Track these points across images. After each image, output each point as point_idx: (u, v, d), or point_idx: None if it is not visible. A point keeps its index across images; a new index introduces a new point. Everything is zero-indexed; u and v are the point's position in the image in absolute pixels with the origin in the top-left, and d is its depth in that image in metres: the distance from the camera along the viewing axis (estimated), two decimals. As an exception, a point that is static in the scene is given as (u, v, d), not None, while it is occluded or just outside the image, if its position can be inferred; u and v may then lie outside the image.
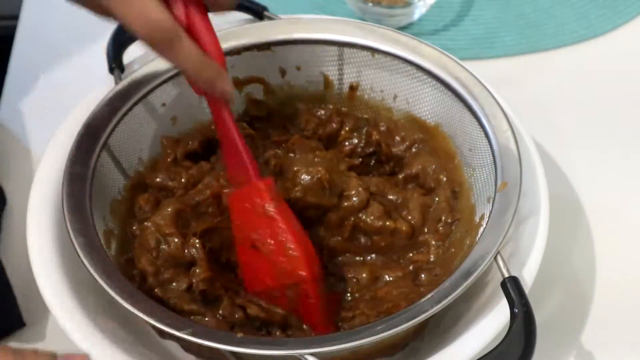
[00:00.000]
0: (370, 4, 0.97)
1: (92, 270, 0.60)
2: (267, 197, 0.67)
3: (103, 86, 0.75)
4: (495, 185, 0.65)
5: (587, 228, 0.81)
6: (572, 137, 0.89)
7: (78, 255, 0.61)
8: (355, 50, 0.77)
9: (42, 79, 0.96)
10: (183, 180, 0.74)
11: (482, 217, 0.68)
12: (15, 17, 1.04)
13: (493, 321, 0.62)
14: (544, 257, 0.65)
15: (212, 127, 0.79)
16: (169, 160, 0.76)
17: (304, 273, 0.66)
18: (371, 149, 0.80)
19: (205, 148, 0.78)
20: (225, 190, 0.71)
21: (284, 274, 0.67)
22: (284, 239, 0.67)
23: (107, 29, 0.75)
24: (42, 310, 0.72)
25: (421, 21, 1.00)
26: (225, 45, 0.76)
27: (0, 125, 0.90)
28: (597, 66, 0.97)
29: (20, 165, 0.86)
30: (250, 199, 0.68)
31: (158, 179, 0.75)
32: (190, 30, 0.62)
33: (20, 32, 1.02)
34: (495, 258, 0.61)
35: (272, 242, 0.67)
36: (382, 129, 0.80)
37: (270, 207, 0.67)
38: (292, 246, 0.66)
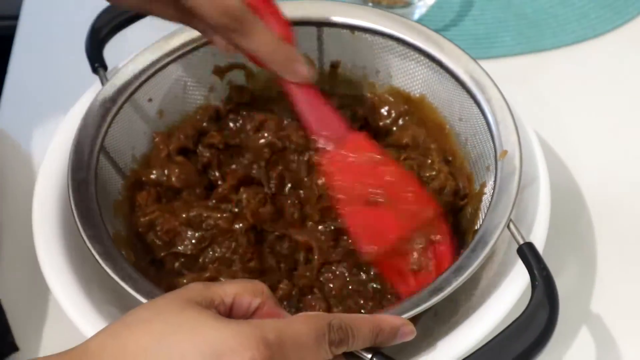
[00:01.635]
0: (370, 4, 0.97)
1: (116, 277, 0.61)
2: (376, 144, 0.70)
3: (90, 89, 0.75)
4: (496, 153, 0.67)
5: (589, 216, 0.83)
6: (572, 137, 0.89)
7: (99, 263, 0.62)
8: (334, 29, 0.78)
9: (42, 79, 0.96)
10: (181, 176, 0.74)
11: (483, 185, 0.70)
12: (15, 17, 1.03)
13: (510, 290, 0.64)
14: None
15: (198, 117, 0.79)
16: (162, 156, 0.76)
17: (433, 207, 0.69)
18: (358, 125, 0.81)
19: (196, 142, 0.78)
20: (315, 157, 0.73)
21: (412, 217, 0.68)
22: (404, 181, 0.69)
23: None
24: (35, 332, 0.73)
25: (421, 21, 0.98)
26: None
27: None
28: (597, 66, 0.98)
29: (20, 165, 0.85)
30: (356, 151, 0.69)
31: (153, 176, 0.75)
32: (258, 13, 0.64)
33: (20, 32, 1.01)
34: (508, 226, 0.63)
35: (392, 188, 0.68)
36: (367, 104, 0.81)
37: (381, 154, 0.69)
38: (414, 186, 0.69)
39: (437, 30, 0.93)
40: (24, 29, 1.02)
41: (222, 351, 0.46)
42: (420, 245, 0.67)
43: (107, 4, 0.75)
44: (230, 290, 0.53)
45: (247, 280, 0.56)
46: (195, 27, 0.68)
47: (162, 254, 0.71)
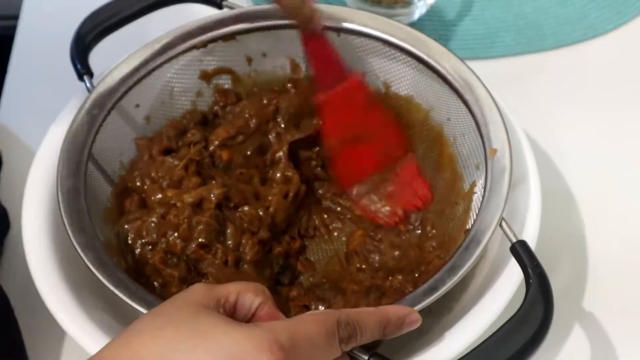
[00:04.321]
0: (370, 4, 0.97)
1: (109, 285, 0.61)
2: (368, 88, 0.77)
3: (75, 97, 0.75)
4: (485, 152, 0.67)
5: (579, 219, 0.83)
6: (571, 137, 0.89)
7: (91, 270, 0.61)
8: (319, 31, 0.78)
9: (42, 79, 0.95)
10: (160, 173, 0.74)
11: (473, 185, 0.70)
12: (15, 17, 1.03)
13: (504, 288, 0.64)
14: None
15: (184, 122, 0.79)
16: (145, 158, 0.76)
17: (406, 149, 0.77)
18: None
19: (178, 142, 0.78)
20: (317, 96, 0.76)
21: (390, 154, 0.77)
22: (387, 122, 0.77)
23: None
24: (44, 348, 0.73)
25: (421, 21, 1.00)
26: (192, 40, 0.76)
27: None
28: (597, 66, 0.98)
29: (20, 166, 0.83)
30: (352, 93, 0.75)
31: (138, 182, 0.74)
32: None
33: (20, 32, 1.01)
34: (500, 224, 0.63)
35: (378, 128, 0.76)
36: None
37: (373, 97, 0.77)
38: (394, 129, 0.77)
39: (437, 30, 0.94)
40: (24, 29, 1.02)
41: (238, 355, 0.47)
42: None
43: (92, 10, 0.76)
44: (233, 288, 0.54)
45: (247, 282, 0.56)
46: None
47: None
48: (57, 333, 0.72)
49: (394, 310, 0.57)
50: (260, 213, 0.71)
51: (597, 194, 0.84)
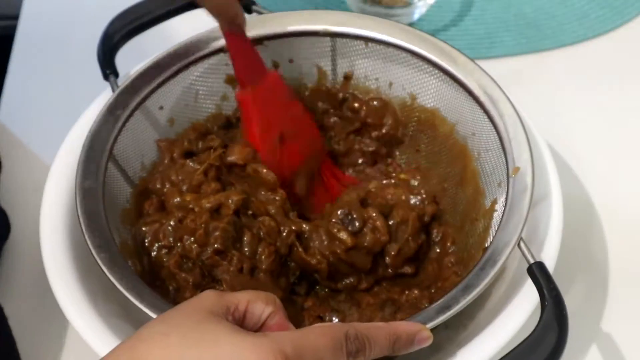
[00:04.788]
0: (370, 4, 0.96)
1: (120, 287, 0.60)
2: (284, 84, 0.77)
3: (102, 96, 0.74)
4: (508, 169, 0.66)
5: (599, 223, 0.82)
6: (571, 137, 0.89)
7: (103, 272, 0.61)
8: (348, 40, 0.77)
9: (42, 79, 0.95)
10: (180, 177, 0.73)
11: (494, 202, 0.69)
12: (15, 17, 1.04)
13: (520, 308, 0.63)
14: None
15: (208, 125, 0.79)
16: (166, 161, 0.75)
17: (321, 141, 0.80)
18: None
19: (198, 145, 0.78)
20: (237, 91, 0.76)
21: (308, 147, 0.78)
22: (306, 119, 0.78)
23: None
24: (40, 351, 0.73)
25: (421, 21, 1.00)
26: (219, 42, 0.76)
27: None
28: (597, 66, 0.98)
29: (19, 165, 0.85)
30: (273, 88, 0.75)
31: (158, 184, 0.74)
32: None
33: (20, 32, 1.02)
34: (518, 244, 0.62)
35: (297, 123, 0.77)
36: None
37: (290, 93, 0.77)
38: (311, 123, 0.79)
39: (437, 30, 0.94)
40: (24, 29, 1.02)
41: None
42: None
43: (119, 10, 0.76)
44: (244, 297, 0.53)
45: (259, 291, 0.55)
46: None
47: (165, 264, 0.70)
48: (55, 335, 0.73)
49: (404, 326, 0.56)
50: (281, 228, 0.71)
51: (613, 205, 0.84)
